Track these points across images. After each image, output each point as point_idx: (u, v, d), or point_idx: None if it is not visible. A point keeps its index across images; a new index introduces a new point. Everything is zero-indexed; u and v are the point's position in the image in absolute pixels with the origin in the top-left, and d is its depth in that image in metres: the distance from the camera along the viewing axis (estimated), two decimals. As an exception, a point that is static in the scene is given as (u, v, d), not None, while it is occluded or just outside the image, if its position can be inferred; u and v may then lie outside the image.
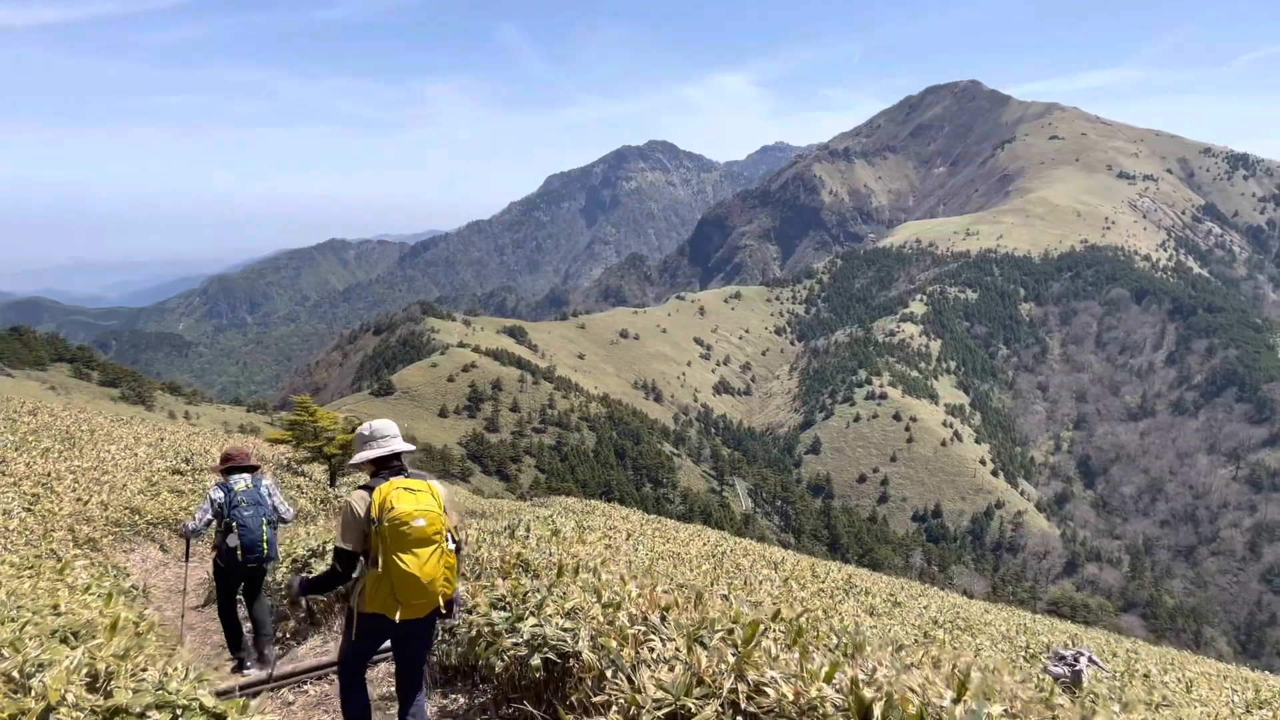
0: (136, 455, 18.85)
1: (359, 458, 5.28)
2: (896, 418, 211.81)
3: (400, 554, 4.83)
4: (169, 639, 7.96)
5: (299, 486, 20.37)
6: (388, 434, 5.35)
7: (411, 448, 5.45)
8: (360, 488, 5.14)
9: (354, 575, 5.15)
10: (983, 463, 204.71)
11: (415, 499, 4.97)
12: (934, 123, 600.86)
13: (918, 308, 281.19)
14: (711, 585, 8.33)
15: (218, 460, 8.76)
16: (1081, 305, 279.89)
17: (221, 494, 7.86)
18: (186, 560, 9.08)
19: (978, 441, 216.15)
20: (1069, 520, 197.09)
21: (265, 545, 7.77)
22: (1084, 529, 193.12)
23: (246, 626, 8.58)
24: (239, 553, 7.67)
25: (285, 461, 24.49)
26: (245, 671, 7.89)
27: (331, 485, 22.69)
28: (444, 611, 5.17)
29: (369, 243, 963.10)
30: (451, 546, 5.09)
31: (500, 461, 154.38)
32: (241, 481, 7.95)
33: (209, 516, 7.82)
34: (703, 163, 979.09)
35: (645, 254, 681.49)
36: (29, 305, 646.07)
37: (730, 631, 4.57)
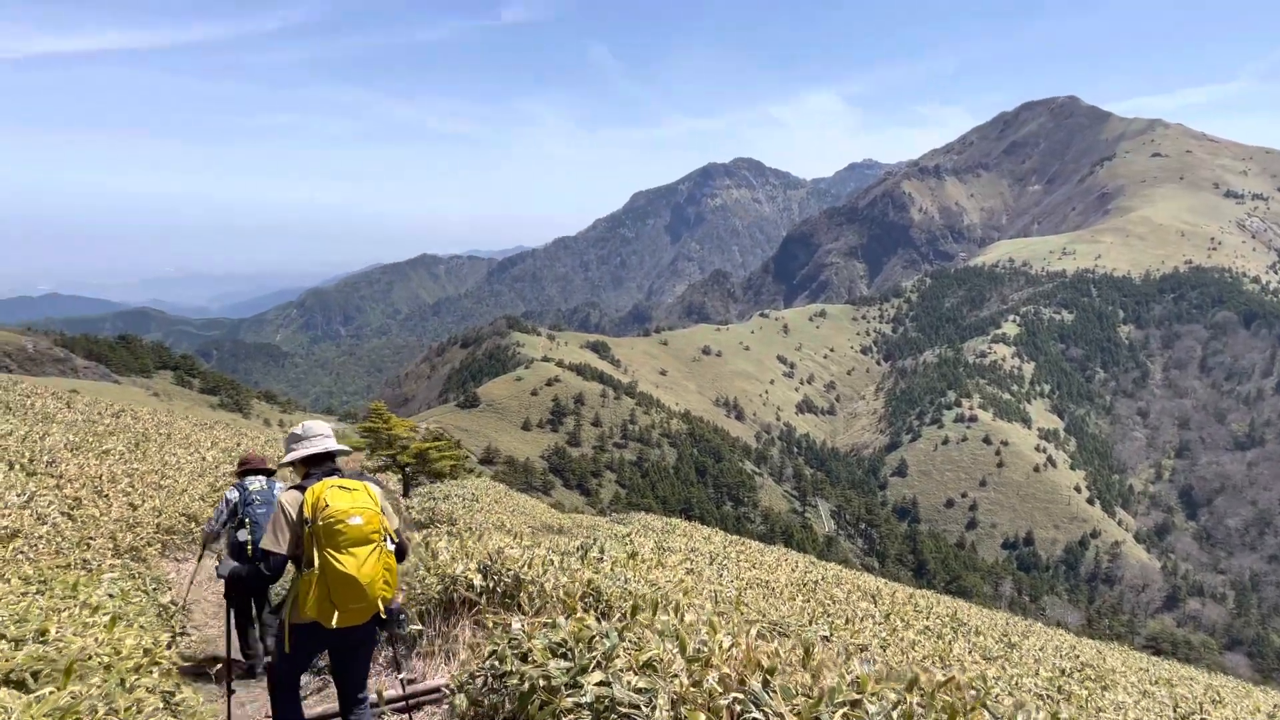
0: (204, 459, 18.52)
1: (289, 457, 5.02)
2: (987, 441, 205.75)
3: (336, 553, 4.52)
4: (192, 666, 7.73)
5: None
6: (322, 432, 5.11)
7: (346, 449, 5.19)
8: (292, 488, 4.87)
9: (279, 580, 4.87)
10: (1078, 490, 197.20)
11: (351, 497, 4.70)
12: (1029, 139, 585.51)
13: (1010, 329, 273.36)
14: (810, 624, 7.09)
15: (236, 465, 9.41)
16: (1185, 328, 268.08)
17: (236, 494, 8.07)
18: (198, 562, 9.89)
19: (1073, 468, 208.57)
20: (1170, 552, 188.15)
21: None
22: (1186, 562, 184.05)
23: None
24: (249, 548, 7.70)
25: (358, 471, 23.49)
26: (257, 675, 7.98)
27: (405, 495, 21.80)
28: (384, 617, 4.77)
29: (459, 258, 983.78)
30: (391, 548, 4.80)
31: (581, 475, 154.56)
32: (256, 482, 8.21)
33: (225, 516, 7.96)
34: (789, 179, 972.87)
35: (729, 271, 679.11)
36: (138, 315, 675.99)
37: (854, 704, 3.62)
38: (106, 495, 11.73)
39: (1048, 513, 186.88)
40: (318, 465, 4.99)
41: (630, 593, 6.04)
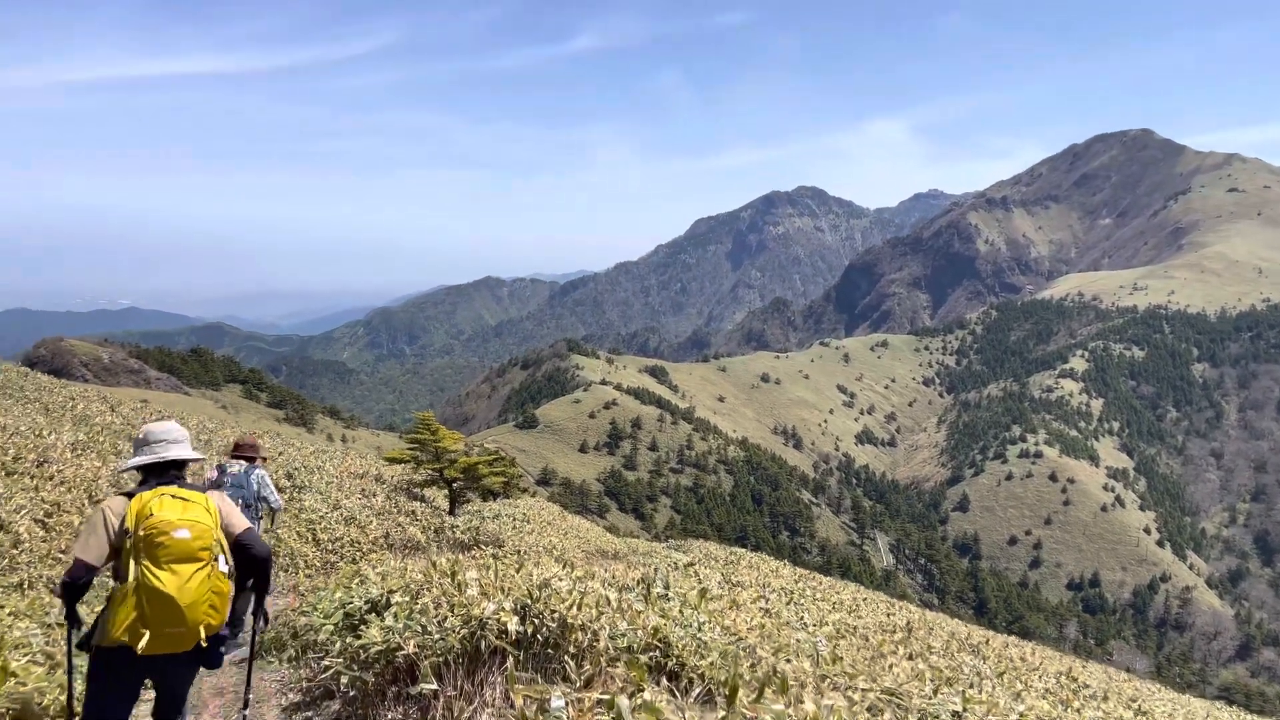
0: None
1: (128, 464, 4.44)
2: (1053, 478, 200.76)
3: (154, 568, 3.92)
4: None
5: (413, 512, 18.17)
6: (167, 438, 4.52)
7: (196, 456, 4.67)
8: (121, 494, 4.28)
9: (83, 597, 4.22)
10: (1147, 531, 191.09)
11: (183, 509, 4.13)
12: (1100, 172, 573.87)
13: (1078, 364, 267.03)
14: (934, 695, 5.59)
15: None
16: (1263, 368, 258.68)
17: (216, 474, 8.44)
18: None
19: (1142, 509, 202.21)
20: (1244, 599, 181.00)
21: None
22: (1260, 610, 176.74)
23: None
24: None
25: (403, 484, 22.11)
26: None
27: (451, 513, 20.66)
28: (204, 644, 4.13)
29: (522, 281, 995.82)
30: (225, 569, 4.18)
31: (637, 500, 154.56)
32: (237, 465, 8.55)
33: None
34: (852, 209, 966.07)
35: (789, 299, 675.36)
36: (212, 330, 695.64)
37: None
38: (99, 502, 10.57)
39: (1115, 554, 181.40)
40: (159, 473, 4.45)
41: (704, 644, 5.01)
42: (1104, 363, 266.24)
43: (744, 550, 24.97)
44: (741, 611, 6.83)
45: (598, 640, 4.73)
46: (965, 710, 5.22)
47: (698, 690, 4.51)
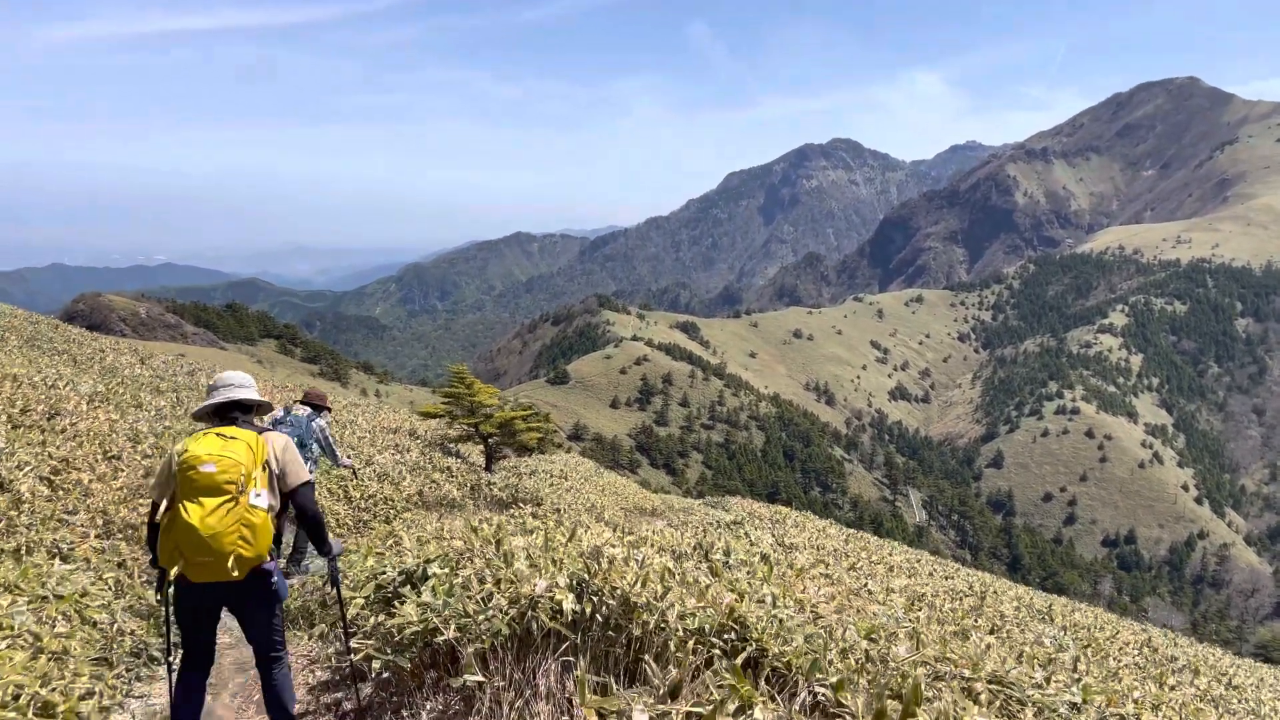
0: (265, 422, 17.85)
1: (198, 408, 4.70)
2: (1089, 435, 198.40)
3: (185, 502, 4.15)
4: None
5: (448, 468, 17.17)
6: (231, 383, 4.74)
7: (257, 398, 4.77)
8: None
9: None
10: (1185, 489, 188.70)
11: (221, 445, 4.30)
12: (1144, 122, 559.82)
13: (1118, 319, 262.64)
14: (1046, 682, 4.85)
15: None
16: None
17: (281, 412, 9.05)
18: None
19: (1181, 465, 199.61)
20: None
21: None
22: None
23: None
24: None
25: (438, 440, 21.21)
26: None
27: (487, 469, 19.63)
28: (237, 576, 4.25)
29: (552, 236, 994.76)
30: (261, 503, 4.30)
31: (668, 455, 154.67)
32: (301, 410, 9.07)
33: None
34: (888, 161, 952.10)
35: (823, 254, 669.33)
36: (247, 286, 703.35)
37: None
38: (118, 457, 9.55)
39: (1152, 511, 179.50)
40: (221, 415, 4.70)
41: (784, 625, 4.37)
42: (1144, 318, 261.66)
43: (788, 509, 23.40)
44: (809, 580, 6.08)
45: (666, 621, 4.10)
46: (1085, 701, 4.59)
47: (802, 697, 3.79)
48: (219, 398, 4.65)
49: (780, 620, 4.41)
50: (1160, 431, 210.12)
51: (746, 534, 11.68)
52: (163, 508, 4.33)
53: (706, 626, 4.18)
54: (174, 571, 4.21)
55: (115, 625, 5.67)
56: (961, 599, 11.25)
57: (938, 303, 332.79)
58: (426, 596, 4.67)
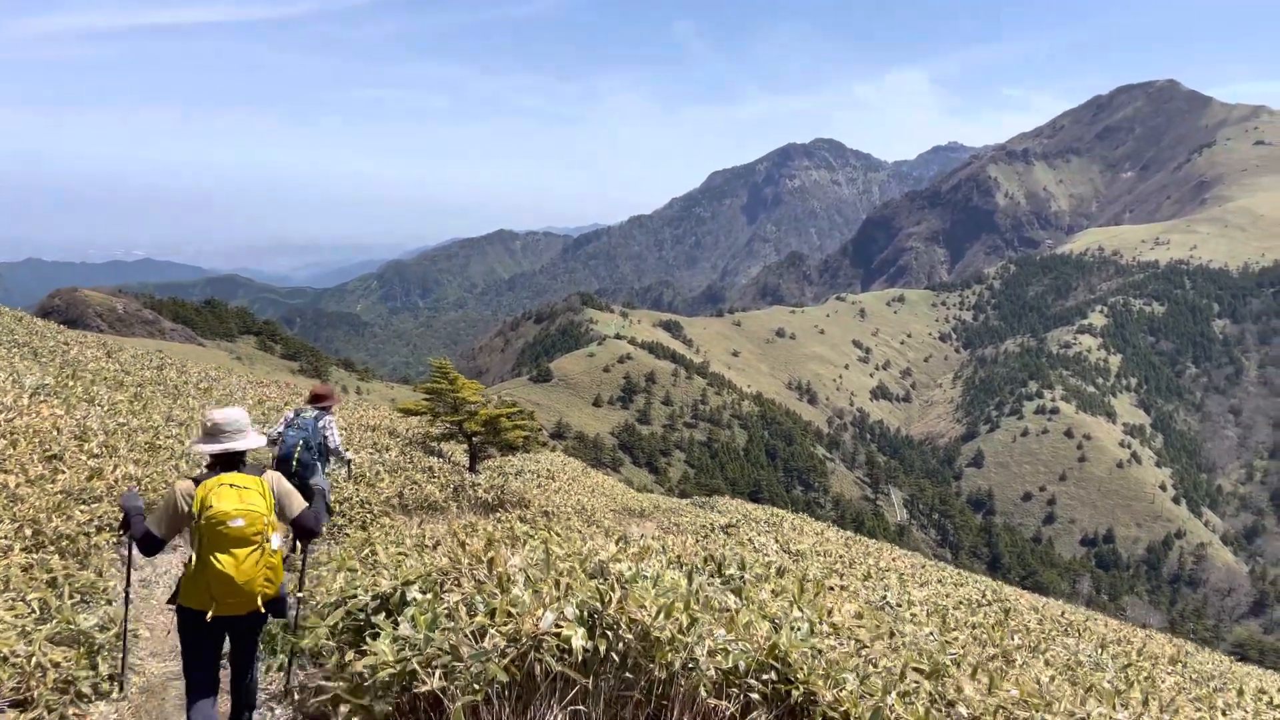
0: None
1: (199, 449, 4.97)
2: (1068, 434, 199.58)
3: (217, 553, 4.57)
4: None
5: (430, 469, 16.12)
6: (234, 429, 4.95)
7: (260, 442, 5.11)
8: (190, 478, 4.84)
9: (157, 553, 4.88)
10: (1163, 488, 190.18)
11: (239, 497, 4.67)
12: (1124, 124, 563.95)
13: (1097, 319, 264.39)
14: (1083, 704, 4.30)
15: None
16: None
17: (292, 414, 9.43)
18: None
19: (1159, 465, 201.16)
20: (1259, 556, 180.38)
21: (296, 464, 8.93)
22: (1276, 567, 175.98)
23: None
24: (275, 465, 9.01)
25: (419, 438, 20.31)
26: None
27: (471, 470, 18.56)
28: (263, 611, 4.79)
29: (535, 234, 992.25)
30: (276, 546, 4.75)
31: (651, 454, 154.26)
32: (310, 411, 9.41)
33: (275, 431, 9.32)
34: (870, 161, 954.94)
35: (805, 253, 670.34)
36: (226, 282, 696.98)
37: None
38: (59, 457, 8.71)
39: (1130, 510, 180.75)
40: (225, 461, 4.94)
41: (829, 660, 3.75)
42: (1123, 318, 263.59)
43: (786, 513, 21.81)
44: (835, 598, 5.21)
45: (695, 659, 3.41)
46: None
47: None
48: (224, 446, 4.88)
49: (819, 651, 3.79)
50: (1138, 431, 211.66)
51: (750, 540, 10.90)
52: (191, 557, 4.63)
53: (742, 665, 3.57)
54: (187, 603, 4.66)
55: (35, 659, 4.86)
56: (980, 610, 10.44)
57: (919, 302, 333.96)
58: (405, 629, 3.98)
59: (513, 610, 3.83)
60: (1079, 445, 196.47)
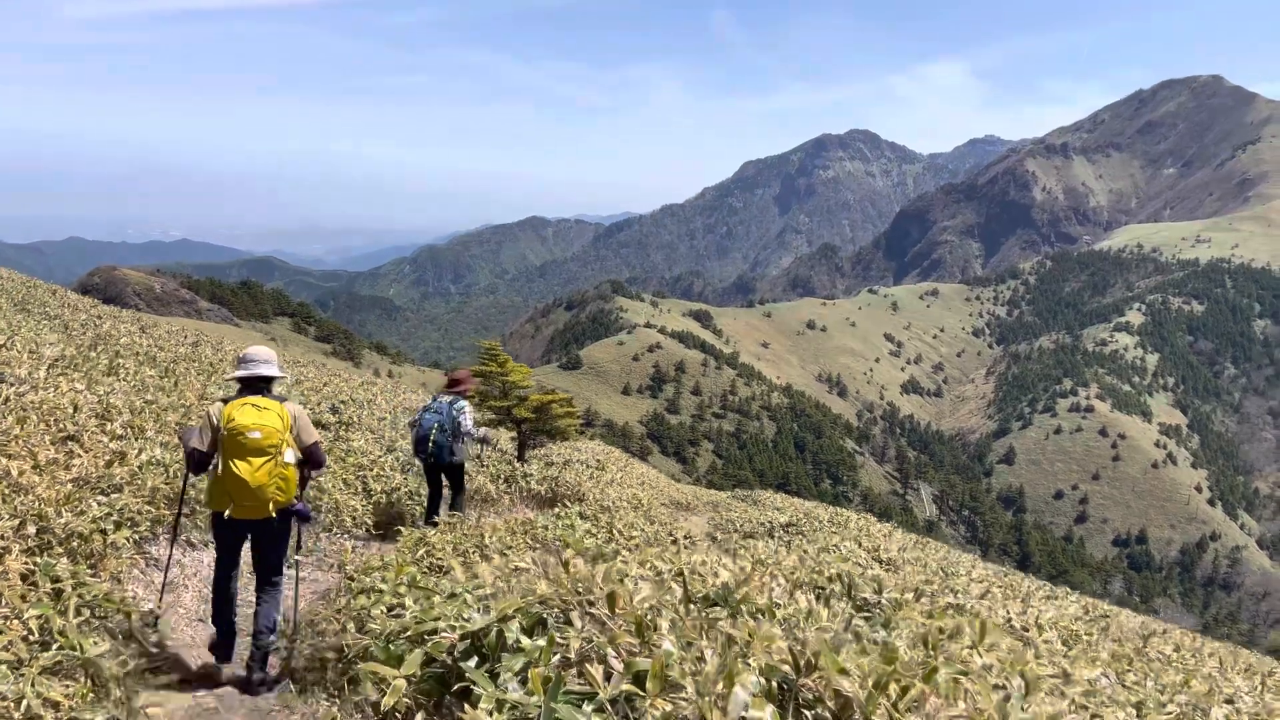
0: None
1: (229, 376, 6.28)
2: (1103, 433, 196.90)
3: (235, 460, 5.35)
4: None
5: (478, 458, 14.70)
6: (255, 359, 5.77)
7: (277, 374, 5.82)
8: (221, 399, 5.64)
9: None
10: (1199, 490, 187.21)
11: (259, 415, 5.44)
12: (1166, 120, 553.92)
13: (1135, 317, 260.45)
14: None
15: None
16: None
17: (431, 400, 9.78)
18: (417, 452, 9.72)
19: (1194, 466, 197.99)
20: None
21: (431, 444, 9.26)
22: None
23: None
24: (414, 445, 9.54)
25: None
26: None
27: (520, 459, 17.19)
28: (274, 516, 5.51)
29: (567, 221, 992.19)
30: (290, 459, 5.52)
31: (679, 443, 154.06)
32: (446, 397, 9.65)
33: (414, 418, 9.83)
34: (905, 154, 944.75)
35: (838, 245, 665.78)
36: (262, 264, 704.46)
37: None
38: (75, 438, 7.41)
39: (1164, 511, 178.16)
40: (250, 386, 5.68)
41: None
42: (1161, 317, 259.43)
43: (850, 511, 19.97)
44: (975, 631, 3.74)
45: None
46: None
47: None
48: (250, 371, 5.70)
49: None
50: (1174, 432, 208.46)
51: (837, 547, 10.09)
52: (217, 462, 5.42)
53: None
54: (210, 507, 5.54)
55: (25, 702, 3.56)
56: (1085, 625, 8.82)
57: (953, 297, 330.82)
58: (513, 690, 2.85)
59: (663, 676, 2.66)
60: (1113, 444, 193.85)
